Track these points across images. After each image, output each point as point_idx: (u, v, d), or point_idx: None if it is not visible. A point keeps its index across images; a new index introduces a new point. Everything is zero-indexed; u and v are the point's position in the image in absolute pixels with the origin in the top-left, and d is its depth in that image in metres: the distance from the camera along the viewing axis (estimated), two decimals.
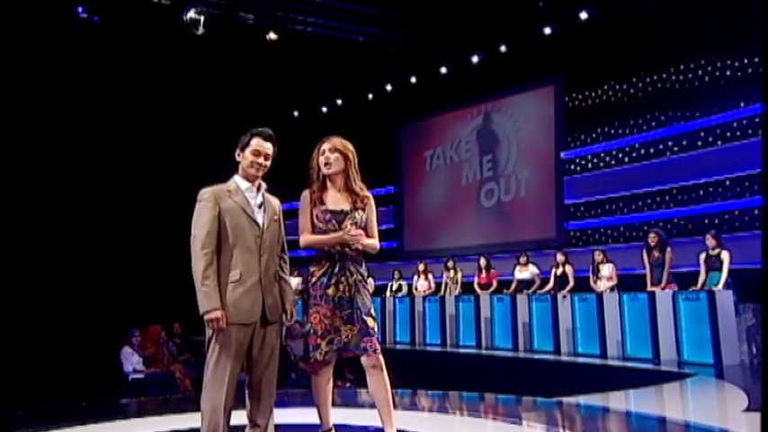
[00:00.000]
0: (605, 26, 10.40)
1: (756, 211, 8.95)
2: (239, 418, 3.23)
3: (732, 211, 9.31)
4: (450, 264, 10.86)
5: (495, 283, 10.15)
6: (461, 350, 9.82)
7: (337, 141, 3.48)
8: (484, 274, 10.25)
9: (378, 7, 10.98)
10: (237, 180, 3.25)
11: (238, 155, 3.27)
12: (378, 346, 3.39)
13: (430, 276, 11.18)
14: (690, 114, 9.96)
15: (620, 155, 10.81)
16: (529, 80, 12.08)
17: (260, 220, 3.20)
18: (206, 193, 3.16)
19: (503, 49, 11.59)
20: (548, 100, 11.96)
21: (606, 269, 8.79)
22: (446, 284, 10.78)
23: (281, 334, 3.32)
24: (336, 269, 3.39)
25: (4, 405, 6.03)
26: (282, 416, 3.61)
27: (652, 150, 10.37)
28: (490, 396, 6.04)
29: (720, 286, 7.48)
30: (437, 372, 9.09)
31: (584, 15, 10.46)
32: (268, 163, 3.27)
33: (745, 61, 9.29)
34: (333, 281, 3.37)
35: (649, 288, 8.16)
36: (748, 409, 4.78)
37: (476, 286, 10.30)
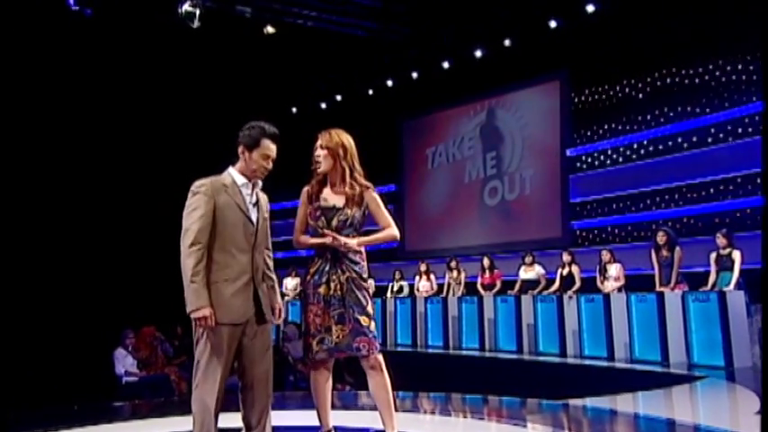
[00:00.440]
0: (613, 19, 10.27)
1: None
2: (235, 421, 3.17)
3: (744, 210, 9.20)
4: (453, 264, 10.76)
5: (498, 284, 10.11)
6: (464, 352, 9.73)
7: (327, 137, 3.40)
8: (487, 275, 10.21)
9: None
10: (234, 174, 3.12)
11: (242, 152, 3.10)
12: (375, 347, 3.33)
13: (432, 277, 11.12)
14: (700, 110, 9.86)
15: (628, 152, 10.71)
16: (534, 75, 11.96)
17: (254, 218, 3.12)
18: (202, 186, 3.03)
19: (507, 43, 11.45)
20: (553, 96, 11.83)
21: (613, 269, 8.72)
22: (449, 285, 10.67)
23: (279, 335, 3.21)
24: (328, 267, 3.36)
25: (4, 405, 6.03)
26: (281, 418, 3.63)
27: (661, 147, 10.26)
28: (494, 398, 5.96)
29: (731, 287, 7.36)
30: (439, 374, 8.99)
31: (590, 8, 10.29)
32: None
33: (758, 56, 9.15)
34: (324, 279, 3.34)
35: (658, 288, 8.05)
36: (761, 413, 4.59)
37: (479, 287, 10.23)
